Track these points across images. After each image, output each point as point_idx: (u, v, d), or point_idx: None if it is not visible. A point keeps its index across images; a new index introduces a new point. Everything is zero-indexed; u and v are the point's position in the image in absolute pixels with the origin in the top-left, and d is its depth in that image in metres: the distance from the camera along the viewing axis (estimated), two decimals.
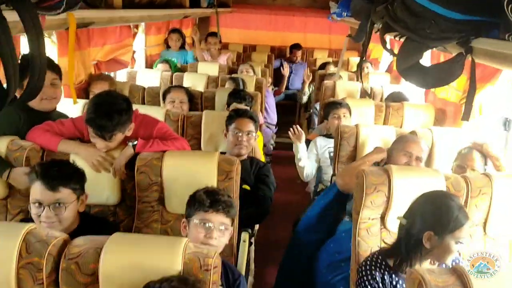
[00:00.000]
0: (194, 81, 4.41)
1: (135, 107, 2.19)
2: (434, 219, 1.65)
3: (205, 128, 2.90)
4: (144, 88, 3.69)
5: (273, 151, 5.22)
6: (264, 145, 4.02)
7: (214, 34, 5.96)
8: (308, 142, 4.01)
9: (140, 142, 2.10)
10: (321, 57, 7.24)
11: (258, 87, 4.44)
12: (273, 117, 5.07)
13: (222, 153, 2.48)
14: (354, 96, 4.33)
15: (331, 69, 5.66)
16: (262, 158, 3.30)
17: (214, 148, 2.90)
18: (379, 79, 5.05)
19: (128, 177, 2.08)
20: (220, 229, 1.75)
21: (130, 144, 2.09)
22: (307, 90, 5.84)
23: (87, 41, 3.38)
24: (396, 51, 1.66)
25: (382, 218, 2.02)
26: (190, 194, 1.84)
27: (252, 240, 2.67)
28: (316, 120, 4.86)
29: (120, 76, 4.48)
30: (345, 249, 2.17)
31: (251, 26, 7.85)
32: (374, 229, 2.02)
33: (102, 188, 2.09)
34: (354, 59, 6.26)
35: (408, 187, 1.95)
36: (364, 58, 2.95)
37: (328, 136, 3.43)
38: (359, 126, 2.94)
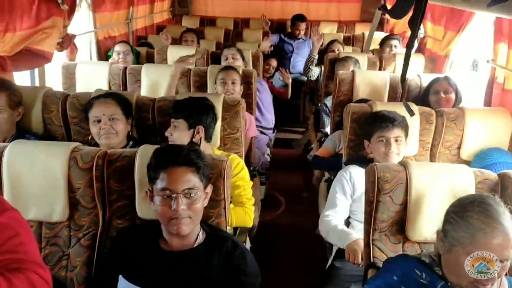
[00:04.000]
0: (157, 76, 3.14)
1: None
2: None
3: None
4: (66, 96, 2.37)
5: (272, 150, 3.97)
6: (252, 169, 2.78)
7: (191, 30, 4.72)
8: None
9: None
10: (329, 31, 5.90)
11: (247, 82, 3.16)
12: (270, 118, 3.77)
13: None
14: (381, 92, 3.02)
15: (341, 49, 4.31)
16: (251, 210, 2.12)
17: None
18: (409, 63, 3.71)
19: None
20: None
21: None
22: (315, 69, 4.45)
23: None
24: None
25: None
26: None
27: None
28: (326, 120, 3.59)
29: (53, 72, 3.21)
30: None
31: None
32: None
33: None
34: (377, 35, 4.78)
35: None
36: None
37: (365, 162, 2.06)
38: (407, 165, 1.67)
